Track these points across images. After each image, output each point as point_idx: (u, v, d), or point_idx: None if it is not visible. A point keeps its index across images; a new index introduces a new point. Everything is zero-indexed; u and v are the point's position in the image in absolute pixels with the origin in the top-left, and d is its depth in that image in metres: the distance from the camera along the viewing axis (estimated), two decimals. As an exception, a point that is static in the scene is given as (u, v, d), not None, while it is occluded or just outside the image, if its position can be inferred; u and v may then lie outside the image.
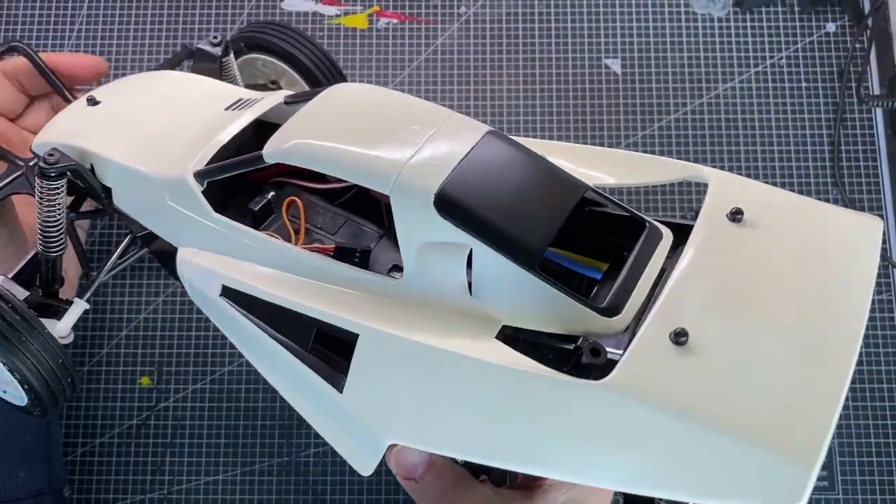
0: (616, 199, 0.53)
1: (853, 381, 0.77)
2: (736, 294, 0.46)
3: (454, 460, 0.54)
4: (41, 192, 0.58)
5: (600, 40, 0.90)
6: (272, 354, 0.53)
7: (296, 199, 0.58)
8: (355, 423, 0.50)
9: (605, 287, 0.49)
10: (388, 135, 0.50)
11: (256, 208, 0.59)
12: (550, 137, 0.86)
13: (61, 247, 0.60)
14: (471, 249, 0.47)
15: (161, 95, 0.65)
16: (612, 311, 0.47)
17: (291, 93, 0.61)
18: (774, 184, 0.84)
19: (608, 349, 0.46)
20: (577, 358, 0.46)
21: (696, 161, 0.85)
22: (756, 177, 0.85)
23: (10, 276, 0.60)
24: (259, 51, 0.73)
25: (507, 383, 0.44)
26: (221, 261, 0.56)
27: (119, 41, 0.89)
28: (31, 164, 0.65)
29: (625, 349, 0.44)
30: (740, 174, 0.85)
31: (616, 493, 0.55)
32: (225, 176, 0.55)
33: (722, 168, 0.85)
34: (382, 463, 0.76)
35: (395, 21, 0.90)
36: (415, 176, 0.47)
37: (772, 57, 0.89)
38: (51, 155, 0.57)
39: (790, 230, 0.50)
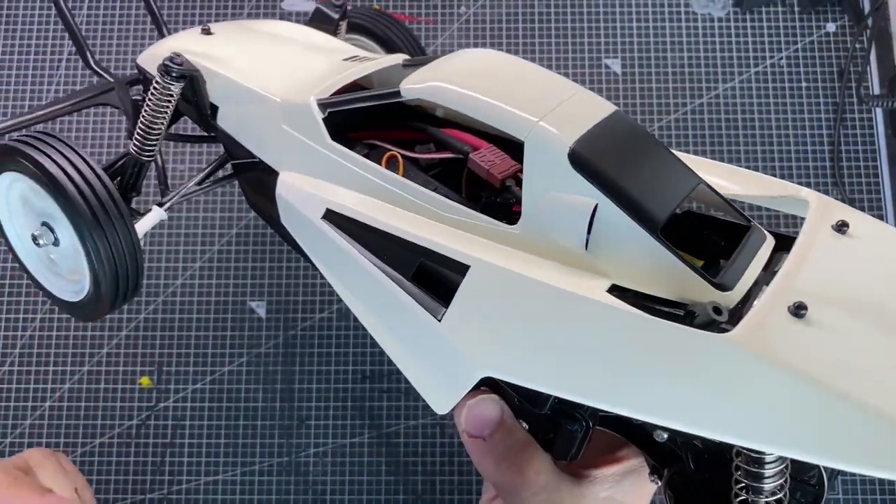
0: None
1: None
2: (846, 289, 0.48)
3: (524, 424, 0.54)
4: (155, 91, 0.59)
5: (600, 40, 0.90)
6: (368, 280, 0.54)
7: (396, 154, 0.57)
8: (448, 352, 0.50)
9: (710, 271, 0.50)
10: (524, 92, 0.52)
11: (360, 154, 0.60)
12: (550, 137, 0.86)
13: (153, 153, 0.61)
14: (595, 205, 0.48)
15: (277, 37, 0.67)
16: (725, 286, 0.48)
17: (407, 58, 0.63)
18: (774, 184, 0.85)
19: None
20: (688, 318, 0.47)
21: (696, 161, 0.85)
22: (756, 177, 0.85)
23: (103, 167, 0.61)
24: (360, 32, 0.74)
25: (622, 326, 0.46)
26: (329, 185, 0.57)
27: (119, 41, 0.89)
28: (123, 80, 0.67)
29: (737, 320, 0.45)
30: (740, 174, 0.85)
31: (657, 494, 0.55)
32: (348, 108, 0.57)
33: (722, 168, 0.85)
34: (383, 462, 0.76)
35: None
36: (553, 127, 0.49)
37: (772, 57, 0.89)
38: (177, 55, 0.59)
39: (892, 247, 0.52)
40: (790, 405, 0.42)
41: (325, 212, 0.56)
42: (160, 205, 0.62)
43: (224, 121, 0.62)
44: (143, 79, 0.66)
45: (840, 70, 0.88)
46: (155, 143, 0.61)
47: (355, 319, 0.80)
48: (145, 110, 0.60)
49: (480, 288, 0.50)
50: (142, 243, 0.60)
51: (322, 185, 0.57)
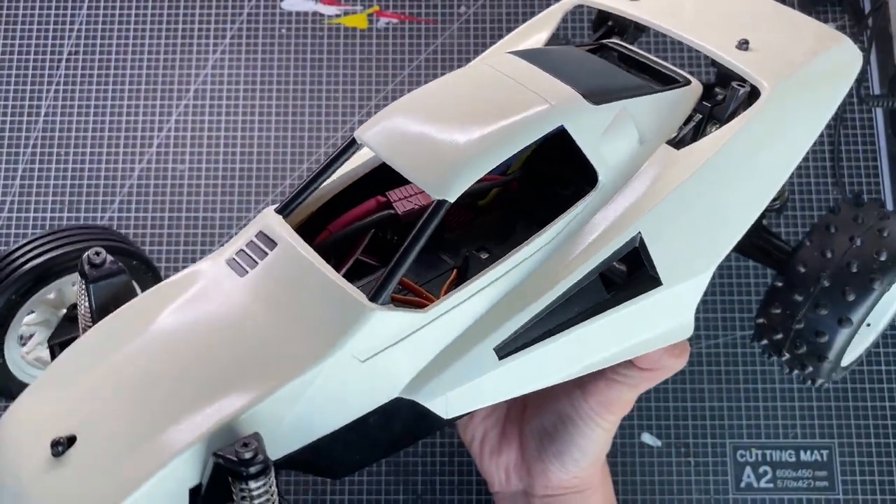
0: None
1: (854, 381, 0.77)
2: (720, 19, 0.65)
3: None
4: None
5: (600, 40, 0.90)
6: (581, 342, 0.54)
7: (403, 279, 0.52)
8: (681, 292, 0.56)
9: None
10: (486, 106, 0.56)
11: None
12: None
13: None
14: (625, 106, 0.57)
15: (136, 364, 0.50)
16: (688, 80, 0.61)
17: (276, 205, 0.54)
18: (774, 184, 0.85)
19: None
20: (711, 115, 0.59)
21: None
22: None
23: None
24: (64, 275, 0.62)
25: (735, 151, 0.57)
26: (461, 343, 0.51)
27: (119, 41, 0.89)
28: None
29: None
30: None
31: None
32: (404, 271, 0.49)
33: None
34: (382, 462, 0.76)
35: (395, 21, 0.90)
36: (559, 100, 0.55)
37: (772, 57, 0.89)
38: (245, 445, 0.43)
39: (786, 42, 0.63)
40: None
41: (495, 354, 0.51)
42: None
43: (279, 446, 0.48)
44: None
45: (840, 70, 0.88)
46: None
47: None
48: None
49: (662, 233, 0.55)
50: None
51: (458, 348, 0.51)
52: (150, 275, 0.67)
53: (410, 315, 0.49)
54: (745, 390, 0.77)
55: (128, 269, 0.57)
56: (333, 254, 0.55)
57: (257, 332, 0.49)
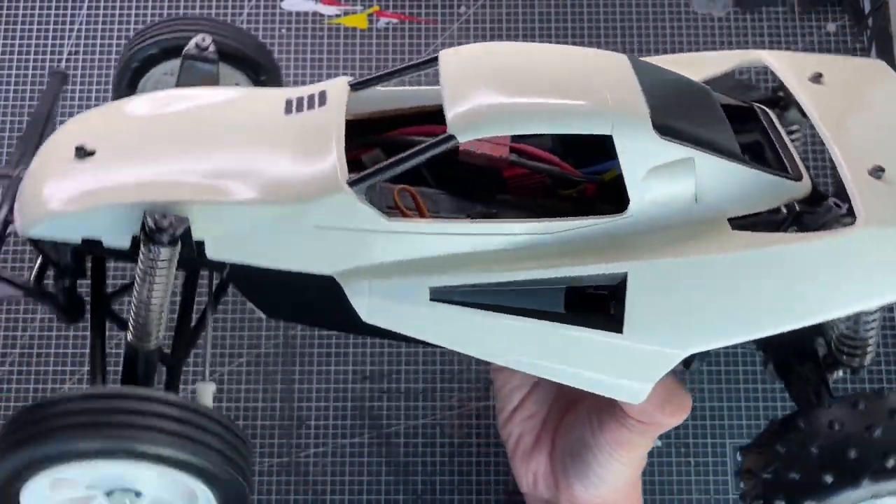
0: None
1: (854, 381, 0.77)
2: (889, 136, 0.58)
3: None
4: (146, 267, 0.49)
5: (600, 40, 0.90)
6: (514, 334, 0.53)
7: (406, 187, 0.55)
8: (639, 356, 0.53)
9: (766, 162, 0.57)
10: (564, 79, 0.53)
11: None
12: (550, 137, 0.86)
13: (161, 334, 0.52)
14: (694, 159, 0.52)
15: (185, 121, 0.57)
16: (799, 175, 0.56)
17: (350, 78, 0.58)
18: (774, 184, 0.84)
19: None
20: (795, 221, 0.55)
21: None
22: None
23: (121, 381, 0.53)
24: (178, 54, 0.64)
25: (780, 259, 0.52)
26: (409, 265, 0.52)
27: (119, 41, 0.89)
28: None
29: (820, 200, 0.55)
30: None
31: None
32: (389, 176, 0.52)
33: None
34: (383, 462, 0.76)
35: (395, 21, 0.90)
36: (626, 110, 0.52)
37: (772, 57, 0.89)
38: (162, 216, 0.48)
39: (857, 85, 0.60)
40: None
41: (430, 292, 0.52)
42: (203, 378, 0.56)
43: (221, 252, 0.53)
44: (40, 248, 0.55)
45: (840, 70, 0.88)
46: (160, 323, 0.52)
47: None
48: (137, 293, 0.50)
49: (648, 289, 0.52)
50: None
51: (405, 267, 0.52)
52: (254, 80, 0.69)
53: (373, 215, 0.51)
54: (745, 390, 0.77)
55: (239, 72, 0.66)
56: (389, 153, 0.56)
57: (259, 153, 0.54)
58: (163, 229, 0.48)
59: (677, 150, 0.52)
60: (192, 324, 0.59)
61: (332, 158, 0.52)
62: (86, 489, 0.51)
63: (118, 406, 0.48)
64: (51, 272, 0.56)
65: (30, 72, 0.88)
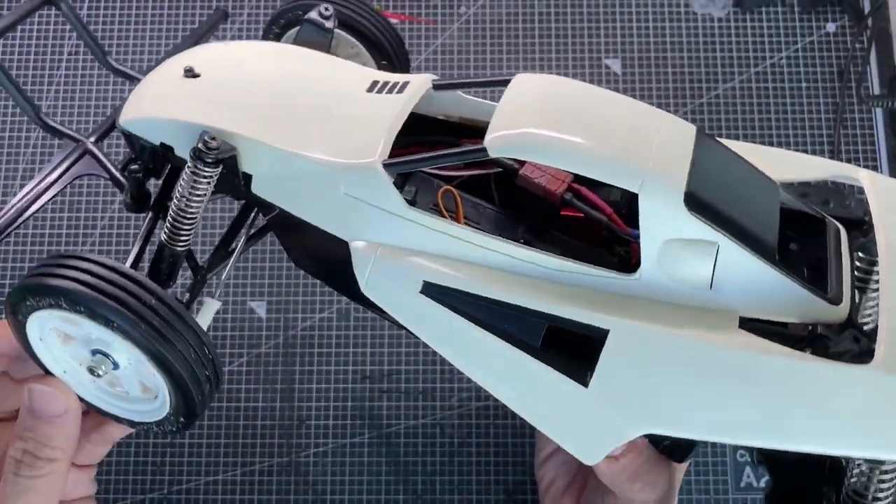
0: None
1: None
2: None
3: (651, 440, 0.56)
4: (188, 179, 0.54)
5: (600, 40, 0.90)
6: (489, 353, 0.53)
7: (451, 189, 0.57)
8: (598, 414, 0.51)
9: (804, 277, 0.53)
10: (615, 132, 0.51)
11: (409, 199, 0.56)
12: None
13: (188, 243, 0.56)
14: (717, 246, 0.49)
15: (279, 69, 0.61)
16: (837, 299, 0.50)
17: (436, 77, 0.59)
18: (774, 184, 0.84)
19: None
20: (812, 343, 0.50)
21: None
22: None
23: (131, 264, 0.56)
24: (347, 29, 0.68)
25: (772, 371, 0.48)
26: (416, 254, 0.54)
27: (119, 41, 0.89)
28: (90, 139, 0.61)
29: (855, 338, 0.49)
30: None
31: None
32: (420, 167, 0.54)
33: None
34: (383, 462, 0.76)
35: (395, 21, 0.90)
36: (662, 174, 0.49)
37: (772, 57, 0.89)
38: (212, 139, 0.53)
39: None
40: None
41: (422, 285, 0.53)
42: (210, 294, 0.59)
43: (264, 190, 0.57)
44: (130, 142, 0.60)
45: (840, 70, 0.88)
46: (191, 230, 0.56)
47: (355, 319, 0.80)
48: (177, 199, 0.55)
49: (623, 351, 0.50)
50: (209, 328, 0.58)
51: (409, 255, 0.54)
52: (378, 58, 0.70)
53: (396, 198, 0.53)
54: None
55: (359, 44, 0.67)
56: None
57: (327, 116, 0.56)
58: (210, 150, 0.53)
59: (702, 230, 0.49)
60: (231, 247, 0.63)
61: (380, 137, 0.54)
62: (81, 339, 0.55)
63: (119, 282, 0.51)
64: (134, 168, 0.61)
65: (30, 72, 0.88)
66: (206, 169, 0.54)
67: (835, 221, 0.56)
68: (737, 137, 0.86)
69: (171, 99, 0.58)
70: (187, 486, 0.77)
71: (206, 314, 0.59)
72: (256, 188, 0.57)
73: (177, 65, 0.60)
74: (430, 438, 0.76)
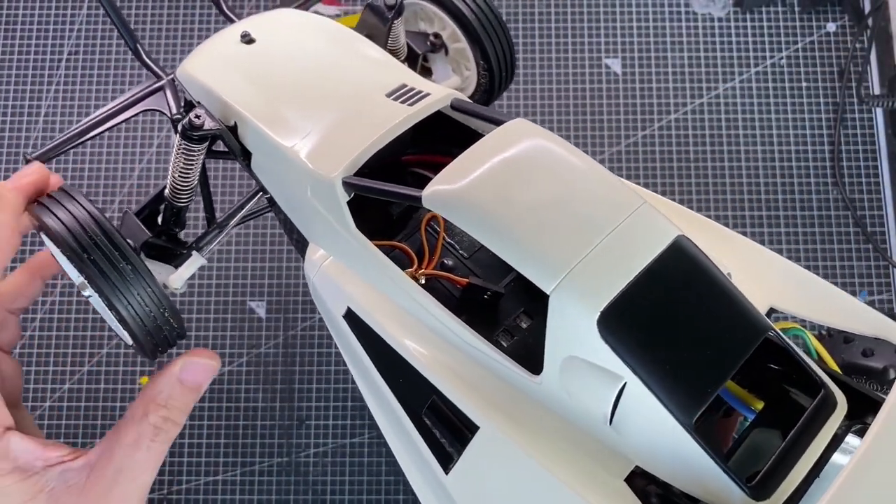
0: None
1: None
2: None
3: None
4: (179, 150, 0.55)
5: (600, 40, 0.90)
6: (381, 399, 0.51)
7: (437, 215, 0.53)
8: (451, 501, 0.48)
9: (758, 442, 0.44)
10: (563, 216, 0.45)
11: (396, 214, 0.56)
12: (550, 137, 0.86)
13: (189, 200, 0.58)
14: (624, 384, 0.42)
15: (322, 53, 0.60)
16: (763, 493, 0.41)
17: (460, 95, 0.55)
18: (774, 184, 0.84)
19: None
20: None
21: (695, 161, 0.85)
22: (756, 177, 0.85)
23: (134, 211, 0.58)
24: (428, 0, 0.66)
25: None
26: (352, 278, 0.52)
27: (119, 41, 0.89)
28: (170, 78, 0.62)
29: None
30: (740, 174, 0.85)
31: None
32: (370, 196, 0.51)
33: (722, 168, 0.85)
34: (383, 462, 0.76)
35: (395, 21, 0.90)
36: (583, 283, 0.42)
37: (772, 57, 0.89)
38: (197, 117, 0.53)
39: None
40: None
41: (346, 310, 0.52)
42: (198, 249, 0.58)
43: (258, 169, 0.57)
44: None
45: (840, 70, 0.88)
46: (189, 191, 0.57)
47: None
48: (175, 162, 0.56)
49: (486, 455, 0.46)
50: (184, 288, 0.59)
51: (347, 273, 0.53)
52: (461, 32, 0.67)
53: (346, 218, 0.51)
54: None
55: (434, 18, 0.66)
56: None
57: (337, 113, 0.55)
58: (193, 128, 0.53)
59: (611, 359, 0.42)
60: (237, 210, 0.62)
61: (354, 150, 0.52)
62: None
63: (81, 218, 0.51)
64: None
65: (30, 72, 0.88)
66: (192, 145, 0.55)
67: (837, 392, 0.45)
68: (737, 137, 0.86)
69: (214, 61, 0.59)
70: (187, 486, 0.77)
71: (187, 268, 0.58)
72: (254, 166, 0.57)
73: (240, 28, 0.61)
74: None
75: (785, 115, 0.87)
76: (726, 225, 0.83)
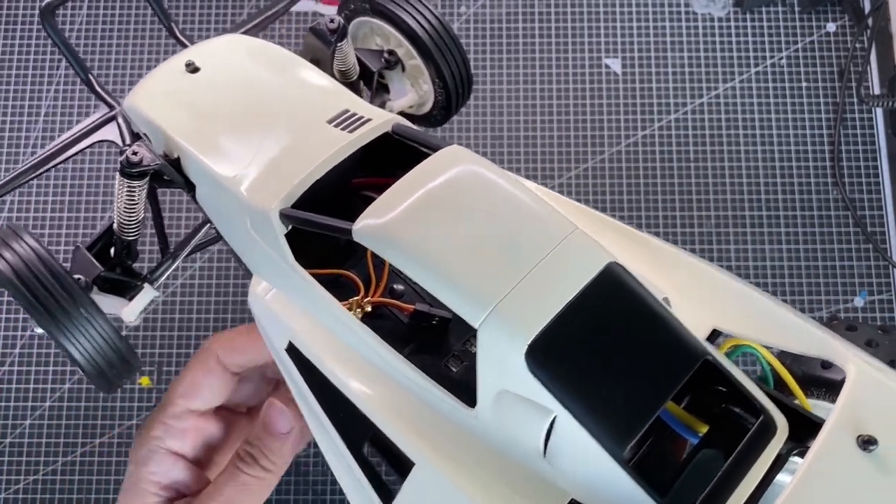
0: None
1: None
2: None
3: None
4: (121, 187, 0.54)
5: (600, 40, 0.90)
6: (324, 434, 0.51)
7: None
8: None
9: (704, 465, 0.43)
10: (490, 247, 0.44)
11: (343, 241, 0.53)
12: (551, 137, 0.86)
13: (136, 235, 0.56)
14: (554, 417, 0.42)
15: (265, 81, 0.58)
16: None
17: (402, 121, 0.54)
18: (774, 184, 0.84)
19: None
20: None
21: (695, 161, 0.85)
22: (756, 177, 0.85)
23: (87, 245, 0.57)
24: (380, 18, 0.65)
25: None
26: (293, 311, 0.51)
27: (119, 41, 0.89)
28: (122, 107, 0.61)
29: None
30: (740, 174, 0.85)
31: None
32: (307, 228, 0.50)
33: (722, 168, 0.85)
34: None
35: (395, 21, 0.90)
36: (510, 316, 0.42)
37: (772, 57, 0.89)
38: (134, 154, 0.52)
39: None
40: None
41: (287, 344, 0.51)
42: (151, 281, 0.57)
43: (202, 201, 0.56)
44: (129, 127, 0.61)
45: (840, 70, 0.88)
46: (136, 226, 0.56)
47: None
48: (118, 198, 0.55)
49: (422, 491, 0.45)
50: (138, 321, 0.58)
51: (288, 307, 0.52)
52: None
53: (284, 251, 0.50)
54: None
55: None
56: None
57: (276, 141, 0.53)
58: (131, 164, 0.52)
59: (540, 393, 0.41)
60: (187, 240, 0.61)
61: (293, 178, 0.50)
62: None
63: (54, 283, 0.50)
64: None
65: (29, 72, 0.88)
66: (132, 181, 0.53)
67: (777, 416, 0.45)
68: (737, 137, 0.86)
69: (158, 92, 0.58)
70: (187, 486, 0.77)
71: (139, 301, 0.57)
72: (199, 197, 0.56)
73: (185, 56, 0.59)
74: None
75: (785, 115, 0.87)
76: (726, 225, 0.83)
